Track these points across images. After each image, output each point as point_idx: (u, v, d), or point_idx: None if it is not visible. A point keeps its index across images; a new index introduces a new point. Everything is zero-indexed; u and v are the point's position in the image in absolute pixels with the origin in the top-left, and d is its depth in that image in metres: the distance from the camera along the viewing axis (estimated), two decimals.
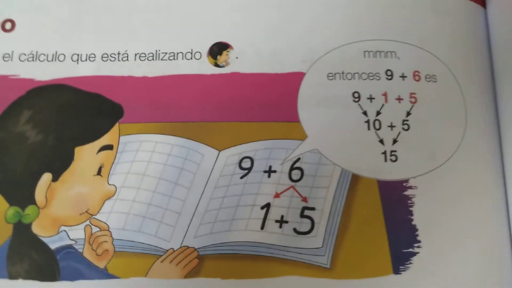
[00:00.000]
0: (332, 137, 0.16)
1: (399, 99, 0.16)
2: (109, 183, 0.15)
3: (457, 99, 0.16)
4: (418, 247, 0.15)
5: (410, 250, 0.15)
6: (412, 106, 0.16)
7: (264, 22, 0.17)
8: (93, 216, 0.15)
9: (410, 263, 0.15)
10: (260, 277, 0.15)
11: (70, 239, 0.15)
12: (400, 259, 0.15)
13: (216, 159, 0.16)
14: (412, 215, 0.15)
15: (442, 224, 0.15)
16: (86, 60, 0.17)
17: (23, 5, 0.17)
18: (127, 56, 0.17)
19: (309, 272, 0.15)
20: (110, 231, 0.15)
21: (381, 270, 0.15)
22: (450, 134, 0.16)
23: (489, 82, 0.17)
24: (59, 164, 0.15)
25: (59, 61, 0.17)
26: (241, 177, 0.16)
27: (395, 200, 0.15)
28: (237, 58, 0.17)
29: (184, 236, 0.15)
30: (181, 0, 0.17)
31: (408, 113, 0.16)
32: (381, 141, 0.16)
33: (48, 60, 0.17)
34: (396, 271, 0.15)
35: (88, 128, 0.16)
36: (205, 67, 0.17)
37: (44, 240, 0.15)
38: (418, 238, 0.15)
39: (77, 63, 0.17)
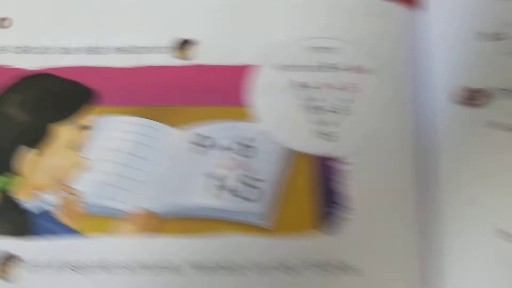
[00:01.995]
0: (280, 120, 0.18)
1: (342, 88, 0.19)
2: (83, 156, 0.18)
3: (393, 90, 0.19)
4: (349, 213, 0.17)
5: (342, 215, 0.17)
6: (353, 95, 0.18)
7: (224, 21, 0.20)
8: (68, 185, 0.17)
9: (341, 226, 0.17)
10: (212, 235, 0.17)
11: (47, 204, 0.17)
12: (332, 222, 0.17)
13: (178, 137, 0.18)
14: (345, 186, 0.17)
15: (371, 194, 0.17)
16: (70, 53, 0.19)
17: (19, 4, 0.20)
18: (106, 49, 0.19)
19: (254, 231, 0.17)
20: (82, 197, 0.17)
21: (315, 231, 0.17)
22: (384, 120, 0.18)
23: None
24: (37, 139, 0.18)
25: (47, 54, 0.19)
26: (199, 153, 0.18)
27: (331, 174, 0.17)
28: (200, 52, 0.19)
29: (147, 201, 0.17)
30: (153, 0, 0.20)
31: (349, 101, 0.18)
32: (324, 124, 0.18)
33: (38, 53, 0.20)
34: (328, 232, 0.17)
35: (65, 108, 0.18)
36: (172, 59, 0.19)
37: (23, 204, 0.17)
38: (349, 206, 0.17)
39: (62, 55, 0.19)
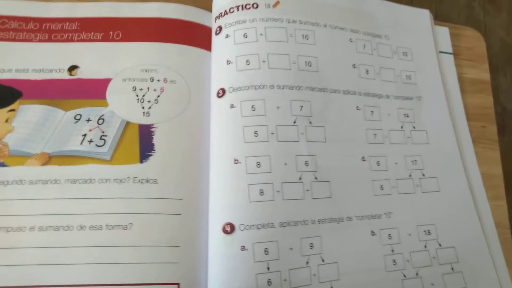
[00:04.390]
0: (122, 106, 0.34)
1: (155, 89, 0.35)
2: (11, 125, 0.33)
3: (184, 90, 0.35)
4: (154, 151, 0.32)
5: (149, 153, 0.32)
6: (161, 93, 0.35)
7: (96, 57, 0.36)
8: (1, 140, 0.32)
9: (148, 159, 0.32)
10: (79, 164, 0.32)
11: None
12: (143, 156, 0.32)
13: (65, 115, 0.34)
14: (152, 138, 0.33)
15: (164, 142, 0.33)
16: (6, 71, 0.35)
17: None
18: (28, 70, 0.35)
19: (101, 162, 0.32)
20: (8, 146, 0.32)
21: (134, 160, 0.32)
22: (178, 105, 0.34)
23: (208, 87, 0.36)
24: None
25: None
26: (75, 123, 0.33)
27: (146, 132, 0.33)
28: (81, 72, 0.35)
29: (45, 148, 0.32)
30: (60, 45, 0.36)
31: (158, 96, 0.35)
32: (143, 107, 0.34)
33: None
34: (141, 161, 0.32)
35: (3, 101, 0.34)
36: (66, 75, 0.35)
37: None
38: (154, 148, 0.33)
39: (1, 73, 0.35)
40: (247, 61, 0.34)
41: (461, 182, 0.38)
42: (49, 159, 0.32)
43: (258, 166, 0.31)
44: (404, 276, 0.33)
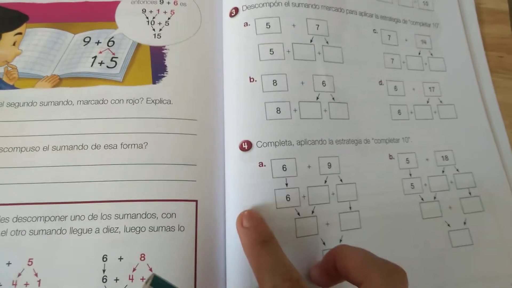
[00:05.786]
0: (132, 28, 0.33)
1: (166, 12, 0.34)
2: (18, 48, 0.32)
3: (196, 13, 0.34)
4: (166, 72, 0.32)
5: (161, 74, 0.32)
6: (172, 15, 0.34)
7: None
8: (9, 63, 0.31)
9: (161, 80, 0.31)
10: (91, 86, 0.31)
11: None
12: (156, 77, 0.31)
13: (74, 38, 0.32)
14: (165, 59, 0.32)
15: (177, 63, 0.32)
16: None
17: None
18: None
19: (113, 83, 0.31)
20: (17, 69, 0.31)
21: (147, 81, 0.31)
22: (189, 28, 0.33)
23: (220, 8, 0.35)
24: None
25: None
26: (84, 45, 0.32)
27: (157, 54, 0.32)
28: None
29: (55, 70, 0.31)
30: None
31: (169, 18, 0.33)
32: (154, 29, 0.33)
33: None
34: (154, 82, 0.31)
35: (10, 24, 0.32)
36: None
37: None
38: (166, 69, 0.32)
39: None
40: None
41: (478, 109, 0.37)
42: (59, 81, 0.31)
43: (275, 84, 0.30)
44: (422, 199, 0.33)
